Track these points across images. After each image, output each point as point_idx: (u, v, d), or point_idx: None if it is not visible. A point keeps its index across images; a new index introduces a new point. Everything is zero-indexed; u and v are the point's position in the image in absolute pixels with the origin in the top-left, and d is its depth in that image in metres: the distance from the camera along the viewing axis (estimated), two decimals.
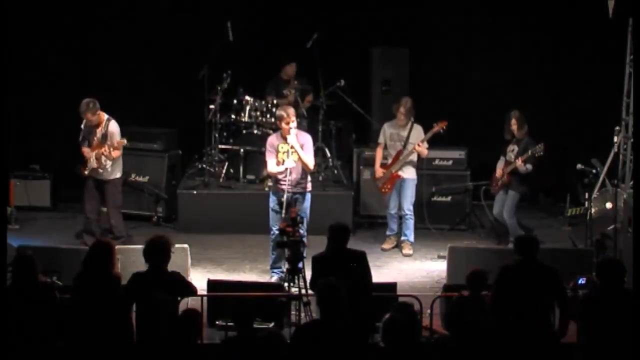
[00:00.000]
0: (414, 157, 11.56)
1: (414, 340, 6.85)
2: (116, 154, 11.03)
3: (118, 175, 11.29)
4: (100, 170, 11.10)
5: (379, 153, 11.76)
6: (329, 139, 13.10)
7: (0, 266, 7.79)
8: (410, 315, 7.01)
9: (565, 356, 7.84)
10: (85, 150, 11.13)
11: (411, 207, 11.60)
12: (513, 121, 11.44)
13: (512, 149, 11.49)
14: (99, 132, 11.09)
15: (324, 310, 6.96)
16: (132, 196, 12.64)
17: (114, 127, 11.10)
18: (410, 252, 11.61)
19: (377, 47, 13.46)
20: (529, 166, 11.31)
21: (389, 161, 11.63)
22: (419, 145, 11.39)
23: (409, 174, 11.57)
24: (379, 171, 11.67)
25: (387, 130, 11.70)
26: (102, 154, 10.97)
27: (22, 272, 7.58)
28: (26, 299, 7.49)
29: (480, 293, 7.96)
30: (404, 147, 11.51)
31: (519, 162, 11.27)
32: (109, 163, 11.06)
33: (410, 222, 11.61)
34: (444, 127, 11.45)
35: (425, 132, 11.53)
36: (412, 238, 11.65)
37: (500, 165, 11.64)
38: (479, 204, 12.32)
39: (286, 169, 10.10)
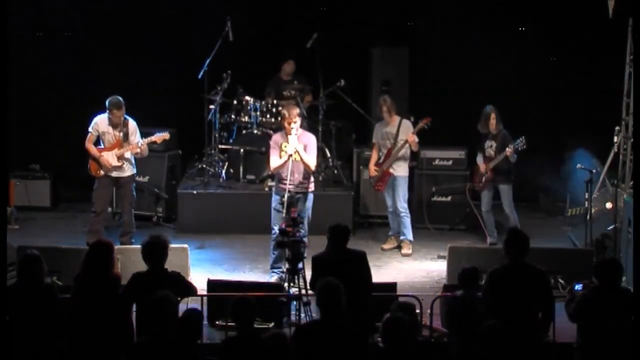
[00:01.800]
0: (405, 154, 11.56)
1: (414, 340, 6.86)
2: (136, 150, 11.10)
3: (135, 171, 11.32)
4: (126, 165, 11.07)
5: (373, 153, 11.79)
6: (329, 139, 13.10)
7: (1, 266, 7.80)
8: (410, 315, 7.02)
9: (554, 356, 7.86)
10: (105, 152, 11.05)
11: (405, 205, 11.60)
12: (493, 116, 11.46)
13: (490, 145, 11.52)
14: (118, 131, 11.08)
15: (324, 310, 6.96)
16: None
17: (134, 125, 11.15)
18: (409, 251, 11.60)
19: (377, 47, 13.45)
20: (515, 156, 11.35)
21: (382, 159, 11.65)
22: (410, 135, 11.38)
23: (400, 171, 11.57)
24: (372, 169, 11.70)
25: (378, 130, 11.75)
26: (131, 150, 11.00)
27: (28, 272, 7.58)
28: (31, 298, 7.49)
29: (474, 292, 7.89)
30: (394, 144, 11.53)
31: (509, 152, 11.25)
32: (128, 156, 11.08)
33: (406, 221, 11.60)
34: (428, 123, 11.46)
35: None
36: (410, 236, 11.64)
37: (480, 161, 11.66)
38: (478, 204, 12.32)
39: (287, 161, 10.08)
